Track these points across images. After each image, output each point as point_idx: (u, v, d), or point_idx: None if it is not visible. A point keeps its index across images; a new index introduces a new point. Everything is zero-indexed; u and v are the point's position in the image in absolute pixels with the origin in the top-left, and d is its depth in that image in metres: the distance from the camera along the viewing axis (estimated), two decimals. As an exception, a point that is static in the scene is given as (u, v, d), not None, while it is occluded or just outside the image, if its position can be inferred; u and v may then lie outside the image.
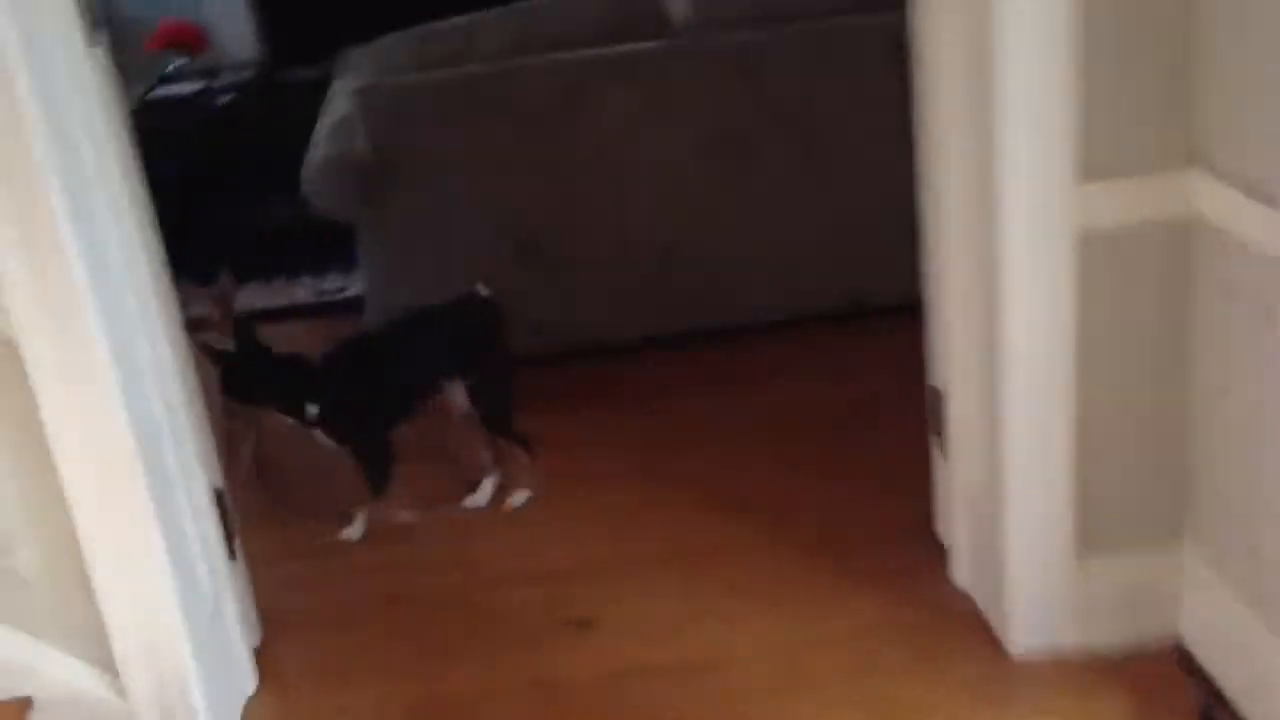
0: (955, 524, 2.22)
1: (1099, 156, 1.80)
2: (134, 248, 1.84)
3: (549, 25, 3.17)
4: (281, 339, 3.51)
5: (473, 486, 2.68)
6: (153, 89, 5.33)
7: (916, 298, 2.23)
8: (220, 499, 2.06)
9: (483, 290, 2.66)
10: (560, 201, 3.12)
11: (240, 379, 2.40)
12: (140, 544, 1.75)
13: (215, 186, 5.03)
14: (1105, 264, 1.87)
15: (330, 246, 3.85)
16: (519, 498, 2.66)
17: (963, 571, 2.22)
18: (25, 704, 1.82)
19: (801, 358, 3.20)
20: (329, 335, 3.59)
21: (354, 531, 2.59)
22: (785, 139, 3.11)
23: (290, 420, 2.53)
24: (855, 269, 3.23)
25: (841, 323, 3.28)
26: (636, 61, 3.06)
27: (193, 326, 3.40)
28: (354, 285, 3.78)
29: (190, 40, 5.37)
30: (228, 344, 2.42)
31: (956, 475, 2.18)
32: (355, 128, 3.02)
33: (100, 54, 1.89)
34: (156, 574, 1.77)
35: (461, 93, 3.01)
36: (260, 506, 2.64)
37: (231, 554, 2.07)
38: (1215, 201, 1.77)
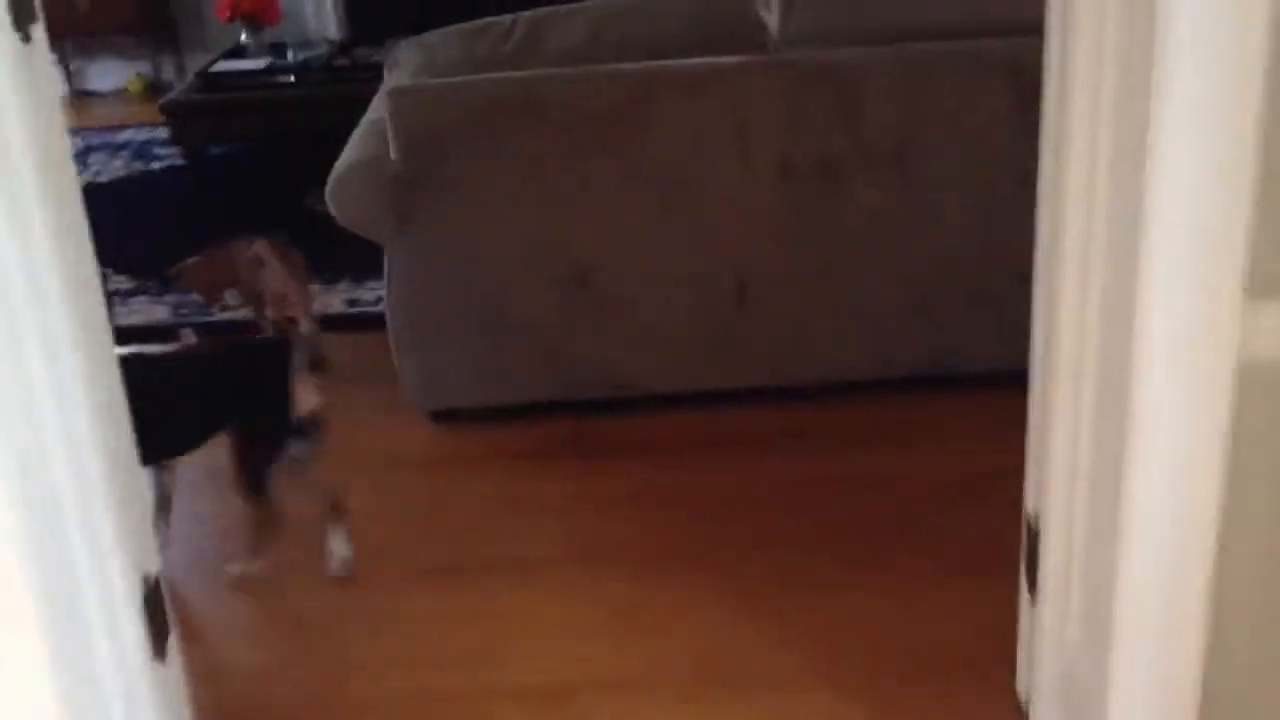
0: (1040, 688, 1.80)
1: (1274, 267, 1.37)
2: (43, 270, 1.49)
3: (622, 29, 2.79)
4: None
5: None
6: (214, 62, 5.06)
7: (1019, 367, 1.82)
8: (153, 588, 1.71)
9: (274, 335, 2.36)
10: (616, 230, 2.74)
11: None
12: (15, 657, 1.41)
13: (262, 173, 4.76)
14: (1271, 402, 1.44)
15: (376, 250, 3.54)
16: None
17: (1046, 747, 1.81)
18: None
19: (878, 427, 2.80)
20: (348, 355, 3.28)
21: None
22: (881, 174, 2.69)
23: None
24: (949, 328, 2.83)
25: (929, 388, 2.88)
26: (715, 75, 2.67)
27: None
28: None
29: (258, 11, 5.07)
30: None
31: (1047, 629, 1.76)
32: (387, 132, 2.66)
33: (35, 50, 1.54)
34: (33, 693, 1.43)
35: (509, 100, 2.64)
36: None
37: (160, 653, 1.73)
38: None
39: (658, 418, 2.88)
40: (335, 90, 4.74)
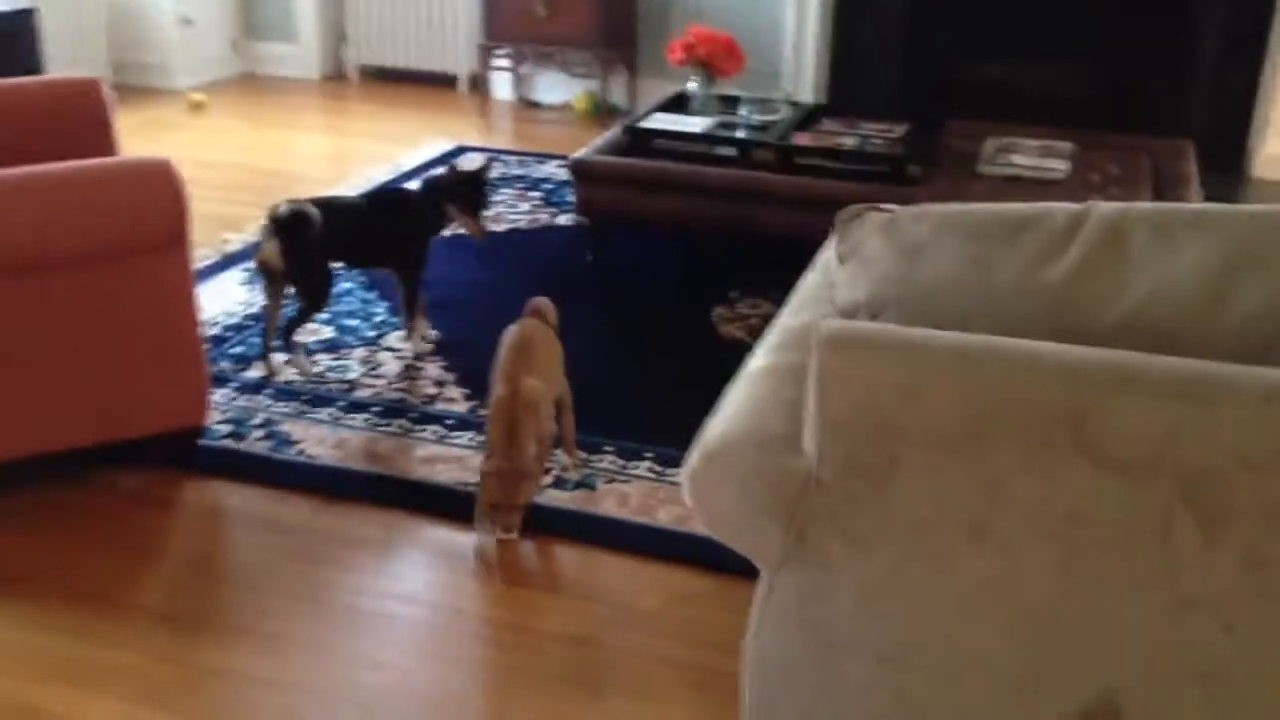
0: None
1: None
2: None
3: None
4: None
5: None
6: (649, 114, 4.06)
7: None
8: None
9: None
10: (1174, 651, 1.41)
11: None
12: None
13: (669, 268, 3.67)
14: None
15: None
16: None
17: None
18: None
19: None
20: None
21: None
22: None
23: None
24: None
25: None
26: None
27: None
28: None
29: (716, 59, 4.01)
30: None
31: None
32: (805, 397, 1.47)
33: None
34: None
35: (1035, 396, 1.37)
36: None
37: None
38: None
39: None
40: (782, 181, 3.60)
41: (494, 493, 2.42)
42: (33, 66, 5.37)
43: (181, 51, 6.18)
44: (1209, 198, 3.66)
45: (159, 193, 2.50)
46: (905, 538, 1.49)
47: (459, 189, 3.18)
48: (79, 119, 3.33)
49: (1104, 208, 1.58)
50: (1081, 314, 1.49)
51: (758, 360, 1.71)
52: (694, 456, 1.57)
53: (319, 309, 3.16)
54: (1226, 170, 4.92)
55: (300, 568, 2.42)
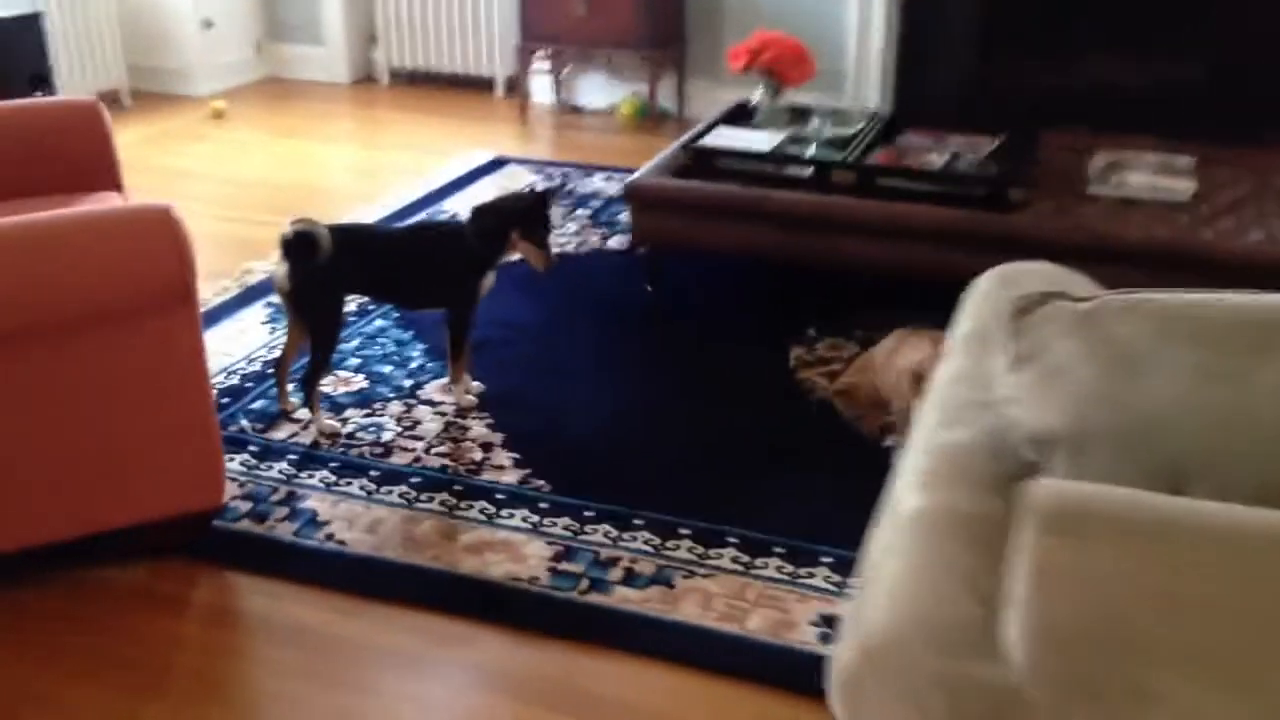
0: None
1: None
2: None
3: None
4: None
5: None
6: (709, 129, 3.65)
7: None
8: None
9: None
10: None
11: None
12: None
13: (731, 304, 3.25)
14: None
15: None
16: None
17: None
18: None
19: None
20: None
21: None
22: None
23: None
24: None
25: None
26: None
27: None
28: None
29: (783, 67, 3.61)
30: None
31: None
32: (1005, 588, 1.09)
33: None
34: None
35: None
36: None
37: None
38: None
39: None
40: (863, 206, 3.20)
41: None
42: (41, 73, 5.04)
43: (202, 56, 5.83)
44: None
45: (160, 246, 2.13)
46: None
47: (524, 214, 2.81)
48: (80, 144, 2.99)
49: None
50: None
51: (910, 497, 1.32)
52: (846, 651, 1.18)
53: (324, 343, 2.80)
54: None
55: (322, 695, 2.05)
